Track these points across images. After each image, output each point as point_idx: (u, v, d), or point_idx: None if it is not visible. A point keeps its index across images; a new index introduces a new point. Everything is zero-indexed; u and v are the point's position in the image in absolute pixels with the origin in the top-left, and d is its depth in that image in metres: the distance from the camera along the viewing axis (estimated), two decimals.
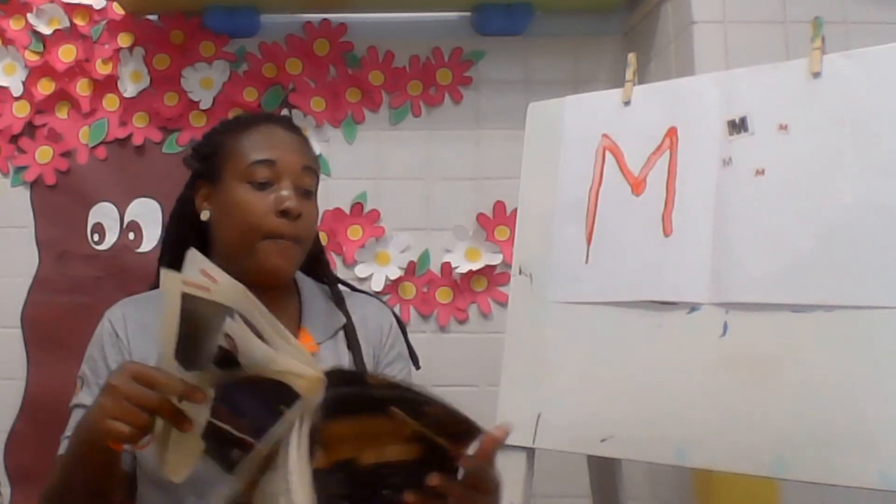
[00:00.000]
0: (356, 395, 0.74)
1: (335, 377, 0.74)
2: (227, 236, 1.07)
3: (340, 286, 1.21)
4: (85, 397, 1.04)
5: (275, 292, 1.09)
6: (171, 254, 1.17)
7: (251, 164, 1.05)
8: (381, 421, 0.75)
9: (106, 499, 0.93)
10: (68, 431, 1.03)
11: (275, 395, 0.76)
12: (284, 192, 1.04)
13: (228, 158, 1.08)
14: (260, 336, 0.76)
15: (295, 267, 1.09)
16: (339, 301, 1.15)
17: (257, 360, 0.75)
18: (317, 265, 1.19)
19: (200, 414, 0.81)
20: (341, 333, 1.12)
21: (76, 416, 1.04)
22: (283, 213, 1.03)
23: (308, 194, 1.08)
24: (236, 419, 0.81)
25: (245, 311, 0.76)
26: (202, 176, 1.12)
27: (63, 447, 1.02)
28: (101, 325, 1.09)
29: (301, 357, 0.76)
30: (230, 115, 1.78)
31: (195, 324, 0.77)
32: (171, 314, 0.78)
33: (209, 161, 1.11)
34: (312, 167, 1.10)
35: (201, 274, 0.76)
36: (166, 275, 0.78)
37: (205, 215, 1.10)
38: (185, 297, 0.76)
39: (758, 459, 0.93)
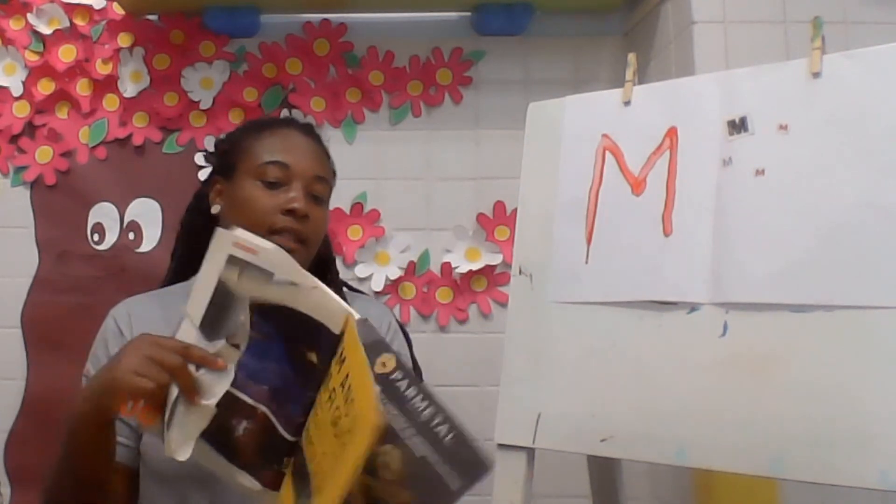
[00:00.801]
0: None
1: (363, 328, 0.75)
2: None
3: (345, 289, 1.21)
4: None
5: None
6: (183, 248, 1.19)
7: (263, 164, 1.07)
8: None
9: (100, 480, 0.93)
10: None
11: (304, 342, 0.78)
12: (293, 193, 1.06)
13: (243, 156, 1.10)
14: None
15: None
16: None
17: (302, 295, 0.78)
18: (326, 270, 1.19)
19: (219, 385, 0.81)
20: None
21: None
22: (290, 213, 1.05)
23: (318, 200, 1.10)
24: (253, 385, 0.82)
25: (289, 277, 0.78)
26: (218, 172, 1.14)
27: None
28: (105, 323, 1.10)
29: (343, 304, 0.78)
30: (230, 116, 1.78)
31: (229, 290, 0.79)
32: (210, 276, 0.79)
33: (225, 157, 1.13)
34: (325, 177, 1.12)
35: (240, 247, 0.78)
36: (219, 233, 0.81)
37: (215, 209, 1.11)
38: (230, 260, 0.78)
39: (758, 459, 0.93)
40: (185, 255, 1.18)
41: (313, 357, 0.78)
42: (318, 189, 1.10)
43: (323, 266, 1.19)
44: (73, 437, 0.90)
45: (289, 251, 1.05)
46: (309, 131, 1.15)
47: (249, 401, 0.81)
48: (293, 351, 0.80)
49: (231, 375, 0.81)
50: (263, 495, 0.82)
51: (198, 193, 1.18)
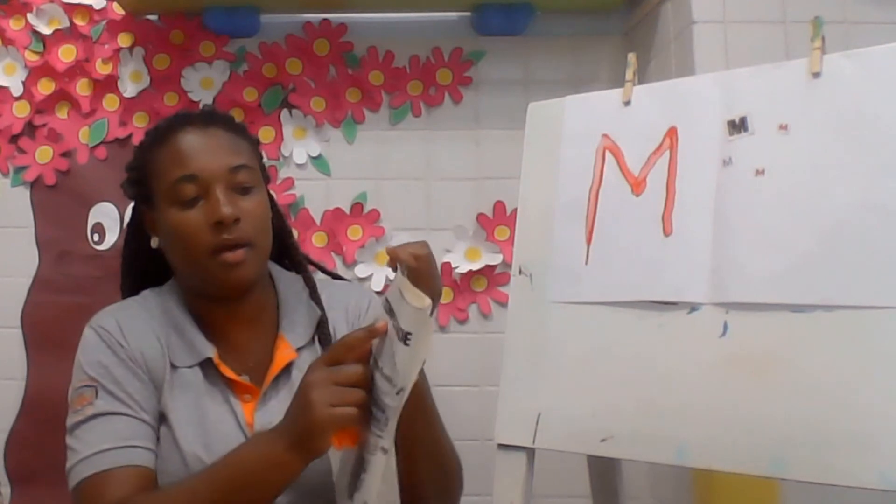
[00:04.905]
0: None
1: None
2: (179, 262, 1.04)
3: (323, 274, 1.19)
4: (105, 405, 0.99)
5: (253, 297, 1.06)
6: (131, 285, 1.15)
7: (173, 185, 1.00)
8: None
9: None
10: (89, 448, 0.96)
11: None
12: (213, 203, 0.99)
13: (154, 181, 1.03)
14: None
15: (257, 270, 1.04)
16: (313, 292, 1.12)
17: None
18: (286, 256, 1.16)
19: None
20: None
21: (98, 426, 0.98)
22: (219, 225, 0.99)
23: (246, 190, 1.02)
24: None
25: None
26: (140, 202, 1.08)
27: (80, 469, 0.96)
28: (94, 333, 1.05)
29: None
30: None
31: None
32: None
33: (140, 186, 1.06)
34: (244, 163, 1.03)
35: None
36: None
37: (155, 242, 1.06)
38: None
39: (757, 459, 0.93)
40: (132, 293, 1.13)
41: None
42: (241, 179, 1.01)
43: (283, 252, 1.14)
44: (253, 485, 0.88)
45: (240, 264, 0.99)
46: (207, 120, 1.05)
47: None
48: None
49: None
50: None
51: (129, 225, 1.12)
